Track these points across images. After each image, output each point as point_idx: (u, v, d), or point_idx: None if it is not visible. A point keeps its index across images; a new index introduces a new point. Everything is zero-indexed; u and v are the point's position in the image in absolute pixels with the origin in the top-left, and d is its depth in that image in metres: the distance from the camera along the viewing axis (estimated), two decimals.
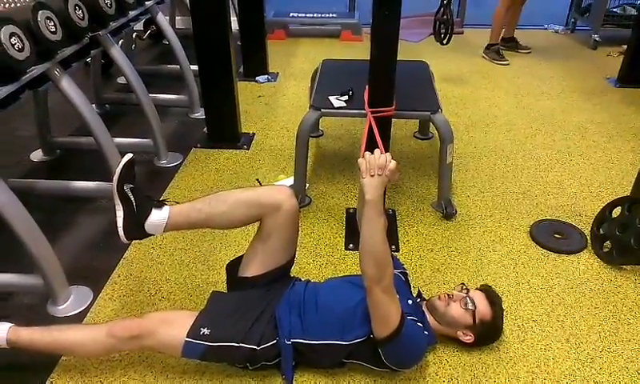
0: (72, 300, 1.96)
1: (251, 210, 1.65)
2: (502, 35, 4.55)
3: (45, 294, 1.94)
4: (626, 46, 4.02)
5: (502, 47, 4.51)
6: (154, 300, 1.98)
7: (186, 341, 1.57)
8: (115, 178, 1.57)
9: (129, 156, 1.61)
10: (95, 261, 2.19)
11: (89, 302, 1.97)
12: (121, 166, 1.58)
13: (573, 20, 5.19)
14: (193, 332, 1.58)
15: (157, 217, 1.61)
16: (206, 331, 1.58)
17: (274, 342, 1.60)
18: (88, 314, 1.92)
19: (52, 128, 2.95)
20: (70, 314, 1.92)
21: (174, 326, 1.60)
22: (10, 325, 1.62)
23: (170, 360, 1.73)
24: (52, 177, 2.74)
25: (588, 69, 4.29)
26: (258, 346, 1.59)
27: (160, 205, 1.63)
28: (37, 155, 2.94)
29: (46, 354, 1.69)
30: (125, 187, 1.57)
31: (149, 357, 1.74)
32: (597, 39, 4.70)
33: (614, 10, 4.86)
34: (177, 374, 1.69)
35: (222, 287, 2.00)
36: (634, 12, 4.67)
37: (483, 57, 4.48)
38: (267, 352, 1.60)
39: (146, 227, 1.61)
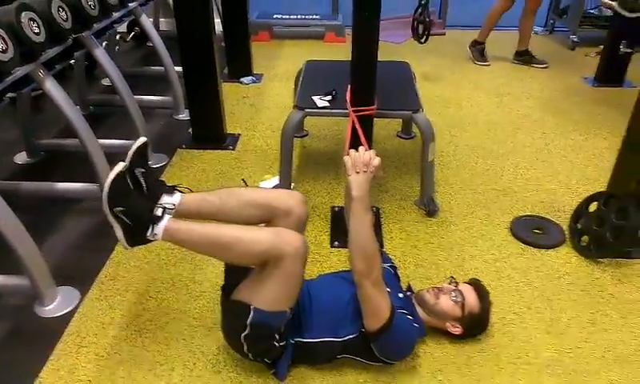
0: (59, 300, 1.97)
1: (261, 211, 1.65)
2: (518, 47, 4.45)
3: (32, 295, 1.95)
4: (602, 47, 4.12)
5: (515, 61, 4.45)
6: (141, 299, 1.99)
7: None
8: (127, 160, 1.53)
9: (142, 139, 1.58)
10: (82, 262, 2.20)
11: (76, 303, 1.97)
12: (134, 148, 1.54)
13: (552, 21, 5.29)
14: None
15: (167, 201, 1.58)
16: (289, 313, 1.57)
17: (285, 342, 1.61)
18: (75, 314, 1.92)
19: (36, 130, 2.95)
20: (58, 314, 1.93)
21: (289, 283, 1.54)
22: (169, 216, 1.53)
23: (159, 357, 1.75)
24: (37, 179, 2.72)
25: (566, 69, 4.38)
26: (278, 343, 1.59)
27: (171, 190, 1.62)
28: (21, 157, 2.93)
29: (197, 247, 1.62)
30: (136, 171, 1.54)
31: (138, 355, 1.75)
32: (575, 40, 4.79)
33: (591, 11, 4.97)
34: (165, 371, 1.71)
35: (208, 285, 2.05)
36: (610, 13, 4.77)
37: (469, 52, 4.49)
38: (279, 350, 1.60)
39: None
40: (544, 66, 4.40)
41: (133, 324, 1.89)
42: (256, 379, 1.68)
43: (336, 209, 2.51)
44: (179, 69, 3.02)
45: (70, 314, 1.93)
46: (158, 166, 2.87)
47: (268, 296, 1.53)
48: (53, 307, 1.95)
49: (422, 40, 3.75)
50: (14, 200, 1.94)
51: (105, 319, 1.91)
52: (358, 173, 1.55)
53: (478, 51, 4.45)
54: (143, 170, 1.58)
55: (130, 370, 1.71)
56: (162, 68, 3.36)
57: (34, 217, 2.37)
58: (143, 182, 1.57)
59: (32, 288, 1.91)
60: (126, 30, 4.69)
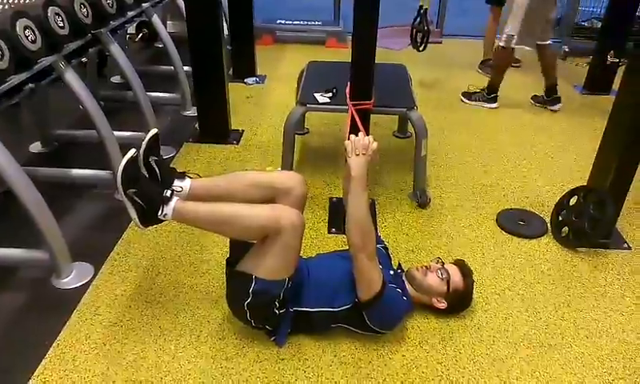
0: (74, 274, 2.12)
1: (264, 191, 1.81)
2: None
3: (49, 268, 2.10)
4: (592, 57, 4.30)
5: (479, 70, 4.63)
6: (151, 275, 2.15)
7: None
8: (141, 150, 1.71)
9: (154, 130, 1.76)
10: (95, 241, 2.35)
11: (90, 277, 2.13)
12: (147, 138, 1.72)
13: None
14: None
15: (177, 185, 1.75)
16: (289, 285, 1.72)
17: (285, 310, 1.77)
18: (90, 287, 2.07)
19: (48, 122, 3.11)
20: (73, 286, 2.08)
21: (287, 254, 1.68)
22: (177, 198, 1.68)
23: (168, 325, 1.90)
24: (51, 167, 2.88)
25: (557, 77, 4.54)
26: (278, 311, 1.75)
27: (182, 176, 1.79)
28: (36, 147, 3.09)
29: (204, 224, 1.77)
30: (150, 159, 1.72)
31: (148, 323, 1.90)
32: (566, 50, 4.99)
33: (583, 23, 5.17)
34: (174, 337, 1.86)
35: (214, 264, 2.20)
36: (599, 25, 4.96)
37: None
38: (279, 317, 1.76)
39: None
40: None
41: (143, 296, 2.04)
42: (257, 345, 1.83)
43: (333, 199, 2.67)
44: (186, 68, 3.18)
45: (85, 287, 2.08)
46: (166, 157, 3.01)
47: (268, 266, 1.68)
48: (69, 280, 2.10)
49: (421, 48, 3.95)
50: None
51: (117, 292, 2.06)
52: (357, 155, 1.71)
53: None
54: (156, 158, 1.77)
55: (140, 335, 1.86)
56: (168, 67, 3.55)
57: (49, 200, 2.51)
58: (157, 169, 1.75)
59: (50, 261, 2.07)
60: (134, 32, 4.86)
